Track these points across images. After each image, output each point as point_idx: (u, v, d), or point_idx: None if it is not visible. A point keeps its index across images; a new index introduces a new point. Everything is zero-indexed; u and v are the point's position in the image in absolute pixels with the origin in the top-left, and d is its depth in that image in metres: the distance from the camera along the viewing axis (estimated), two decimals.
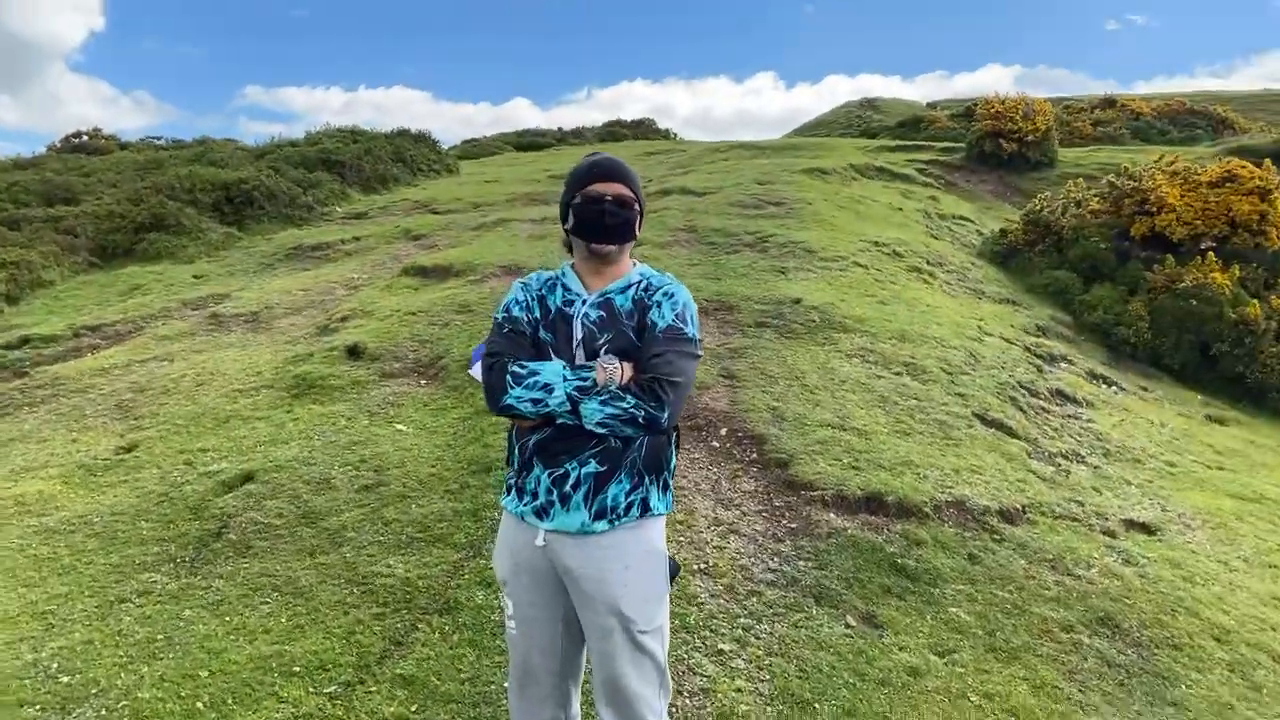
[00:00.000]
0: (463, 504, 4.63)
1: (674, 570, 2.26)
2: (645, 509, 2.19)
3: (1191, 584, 4.46)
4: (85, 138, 23.36)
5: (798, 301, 7.70)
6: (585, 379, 2.08)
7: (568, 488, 2.13)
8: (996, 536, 4.59)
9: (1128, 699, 3.53)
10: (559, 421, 2.11)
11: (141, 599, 4.03)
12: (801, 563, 4.14)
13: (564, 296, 2.26)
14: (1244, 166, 10.79)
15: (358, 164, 16.72)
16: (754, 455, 5.18)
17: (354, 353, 7.02)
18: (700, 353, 2.23)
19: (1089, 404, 7.35)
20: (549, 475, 2.14)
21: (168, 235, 12.34)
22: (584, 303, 2.23)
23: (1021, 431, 6.12)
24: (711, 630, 3.61)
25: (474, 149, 29.06)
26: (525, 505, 2.20)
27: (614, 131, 33.91)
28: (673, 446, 2.27)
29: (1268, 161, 11.13)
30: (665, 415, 2.06)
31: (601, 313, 2.21)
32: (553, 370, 2.10)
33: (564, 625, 2.27)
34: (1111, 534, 4.91)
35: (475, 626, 3.64)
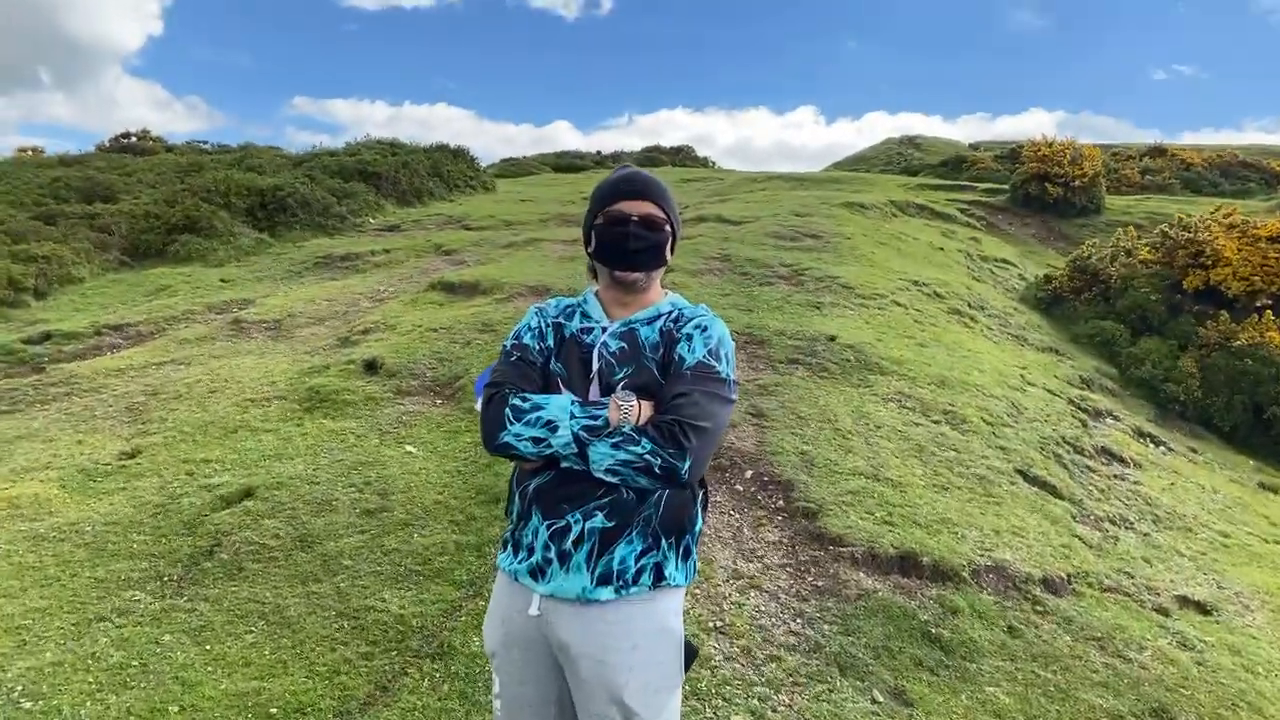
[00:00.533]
0: (467, 536, 4.36)
1: (690, 655, 1.92)
2: (659, 578, 1.86)
3: (1254, 675, 4.07)
4: (133, 138, 23.68)
5: (833, 339, 7.39)
6: (596, 417, 1.79)
7: (568, 543, 1.82)
8: (1039, 608, 4.23)
9: None
10: (563, 465, 1.83)
11: (121, 619, 3.80)
12: (827, 626, 3.82)
13: (582, 324, 1.99)
14: None
15: (394, 176, 16.68)
16: (780, 502, 4.87)
17: (371, 367, 6.82)
18: (734, 396, 1.90)
19: (1136, 464, 6.95)
20: (548, 527, 1.84)
21: (199, 238, 12.30)
22: (604, 331, 1.96)
23: (1066, 492, 5.75)
24: (725, 699, 3.30)
25: (512, 168, 29.13)
26: (520, 562, 1.90)
27: (653, 157, 33.91)
28: (698, 506, 1.94)
29: None
30: (686, 465, 1.75)
31: (623, 344, 1.93)
32: (559, 405, 1.82)
33: (557, 709, 1.95)
34: (1164, 611, 4.53)
35: (468, 677, 3.35)
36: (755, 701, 3.30)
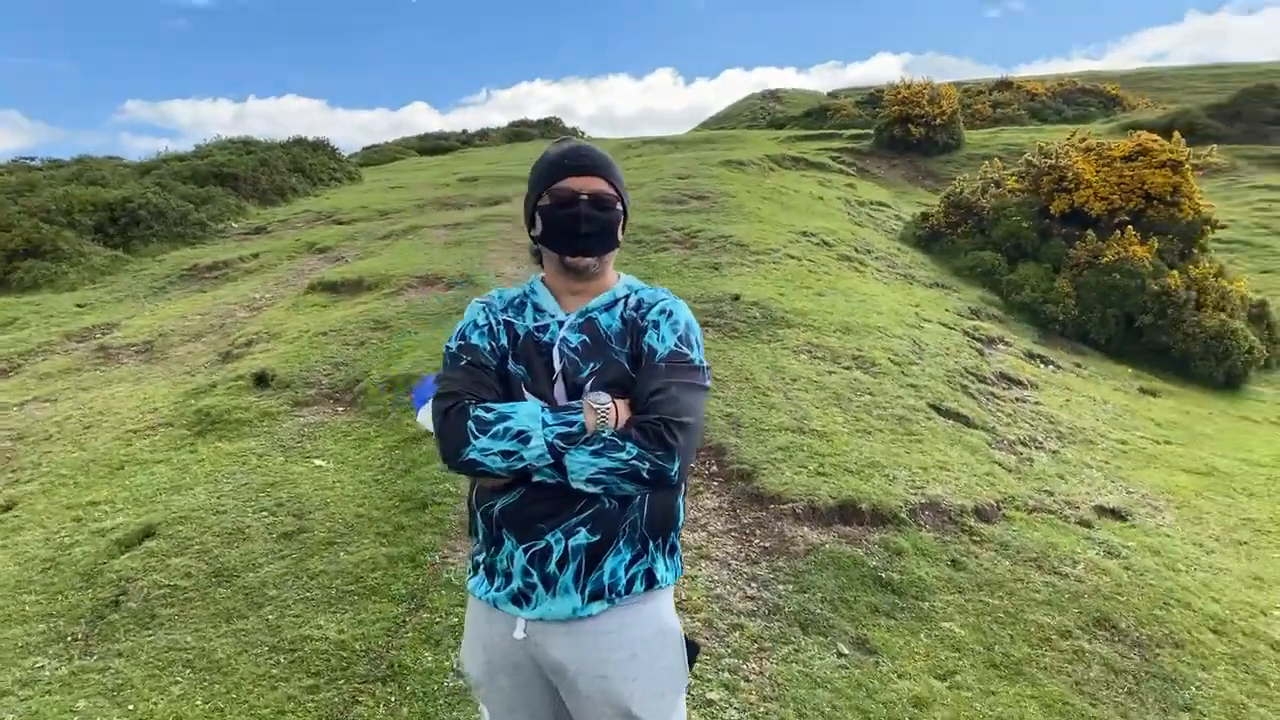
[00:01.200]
0: (398, 548, 4.13)
1: (693, 652, 1.80)
2: (651, 581, 1.73)
3: (1176, 572, 4.29)
4: None
5: (737, 298, 7.39)
6: (572, 423, 1.62)
7: (551, 566, 1.66)
8: (976, 538, 4.34)
9: (1141, 708, 3.29)
10: (535, 480, 1.65)
11: (26, 690, 3.42)
12: (781, 586, 3.80)
13: (536, 319, 1.80)
14: (1155, 140, 10.98)
15: (253, 176, 15.77)
16: (714, 468, 4.82)
17: (261, 381, 6.40)
18: (709, 383, 1.76)
19: (1033, 385, 7.25)
20: (525, 551, 1.67)
21: (45, 262, 11.30)
22: (561, 325, 1.78)
23: (978, 420, 5.93)
24: (696, 676, 3.22)
25: (376, 155, 28.07)
26: (498, 590, 1.72)
27: (520, 132, 33.29)
28: (681, 499, 1.80)
29: (1176, 134, 11.36)
30: (675, 466, 1.60)
31: (584, 336, 1.76)
32: (528, 413, 1.63)
33: None
34: (1087, 524, 4.72)
35: (426, 695, 3.17)
36: (726, 674, 3.24)
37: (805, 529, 4.20)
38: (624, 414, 1.66)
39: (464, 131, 32.99)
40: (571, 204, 1.74)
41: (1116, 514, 4.93)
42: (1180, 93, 39.27)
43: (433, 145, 30.26)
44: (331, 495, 4.71)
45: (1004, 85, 29.61)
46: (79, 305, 10.17)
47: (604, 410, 1.63)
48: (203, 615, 3.79)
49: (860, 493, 4.47)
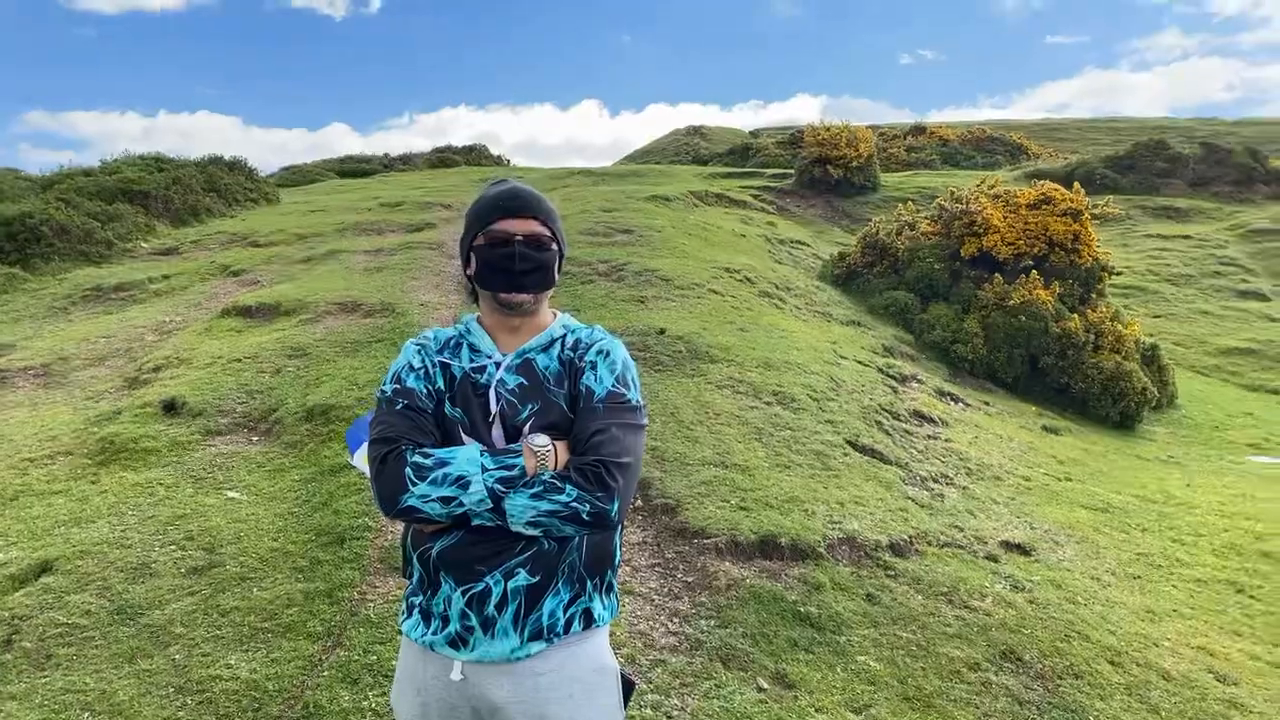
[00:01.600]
0: (314, 584, 4.03)
1: (628, 689, 1.82)
2: (589, 621, 1.74)
3: (1076, 605, 4.50)
4: None
5: (662, 332, 7.48)
6: (512, 467, 1.62)
7: (490, 609, 1.66)
8: (890, 572, 4.46)
9: None
10: (475, 523, 1.65)
11: None
12: (703, 621, 3.84)
13: (473, 359, 1.81)
14: (1057, 189, 11.59)
15: (164, 194, 15.26)
16: (639, 502, 4.85)
17: (171, 408, 6.18)
18: (645, 422, 1.79)
19: (944, 423, 7.52)
20: (463, 593, 1.67)
21: None
22: (498, 366, 1.79)
23: (893, 456, 6.12)
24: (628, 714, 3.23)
25: (294, 176, 27.49)
26: (434, 633, 1.71)
27: (445, 158, 33.06)
28: (617, 538, 1.83)
29: (1077, 184, 12.01)
30: (615, 507, 1.63)
31: (521, 379, 1.77)
32: (467, 458, 1.63)
33: None
34: (994, 558, 4.91)
35: None
36: (649, 710, 3.26)
37: (727, 564, 4.27)
38: (563, 456, 1.67)
39: (386, 155, 32.58)
40: (506, 244, 1.77)
41: (1021, 549, 5.14)
42: (1079, 143, 41.60)
43: (353, 168, 29.80)
44: (245, 528, 4.57)
45: (918, 130, 30.85)
46: None
47: (543, 453, 1.65)
48: (104, 655, 3.62)
49: (780, 528, 4.56)
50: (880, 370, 8.44)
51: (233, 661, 3.53)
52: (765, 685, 3.49)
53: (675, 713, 3.26)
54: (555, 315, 1.92)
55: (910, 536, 4.87)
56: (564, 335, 1.86)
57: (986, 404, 9.07)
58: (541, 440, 1.67)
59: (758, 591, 4.05)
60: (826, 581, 4.23)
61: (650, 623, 3.83)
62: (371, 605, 3.88)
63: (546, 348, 1.83)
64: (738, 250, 12.22)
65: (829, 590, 4.17)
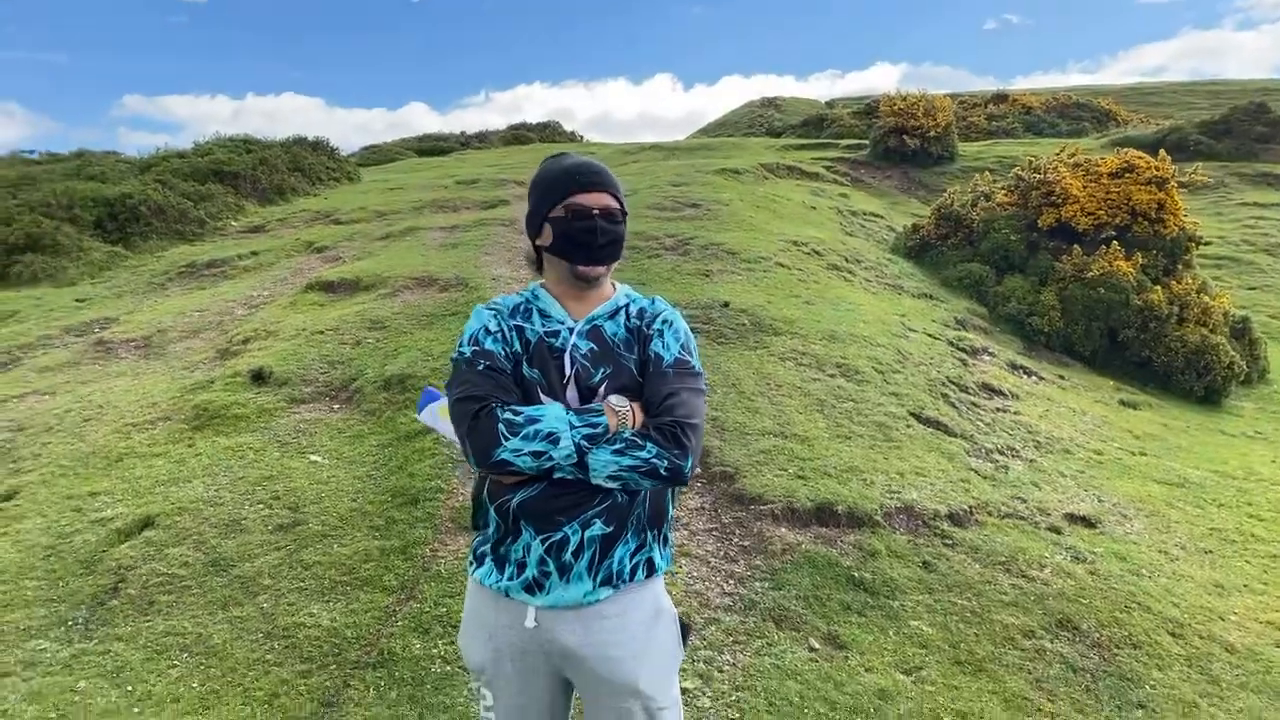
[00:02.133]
0: (390, 541, 4.28)
1: (685, 631, 1.97)
2: (651, 569, 1.89)
3: (1139, 577, 4.46)
4: None
5: (726, 305, 7.55)
6: (596, 425, 1.75)
7: (568, 555, 1.80)
8: (948, 541, 4.49)
9: (1096, 704, 3.45)
10: (557, 476, 1.77)
11: (29, 671, 3.56)
12: (758, 584, 3.95)
13: (545, 325, 1.91)
14: (1141, 157, 11.17)
15: (253, 175, 15.90)
16: (698, 469, 4.97)
17: (259, 378, 6.54)
18: (706, 388, 1.93)
19: (1015, 396, 7.42)
20: (543, 541, 1.80)
21: (45, 256, 11.42)
22: (571, 332, 1.91)
23: (958, 429, 6.09)
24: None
25: (374, 155, 28.20)
26: (510, 580, 1.84)
27: (519, 135, 33.44)
28: (670, 495, 1.95)
29: (1162, 152, 11.55)
30: (689, 464, 1.76)
31: (592, 344, 1.89)
32: (556, 415, 1.75)
33: (550, 714, 1.94)
34: (1057, 530, 4.88)
35: (414, 680, 3.32)
36: (702, 665, 3.40)
37: (783, 529, 4.36)
38: (639, 416, 1.80)
39: (462, 133, 33.15)
40: (586, 218, 1.87)
41: (1087, 521, 5.09)
42: (1175, 109, 39.66)
43: (431, 146, 30.39)
44: (326, 490, 4.85)
45: (999, 98, 29.86)
46: (78, 300, 10.29)
47: (624, 412, 1.78)
48: (199, 603, 3.93)
49: (838, 496, 4.63)
50: (950, 343, 8.34)
51: (315, 611, 3.79)
52: (817, 645, 3.59)
53: (727, 668, 3.39)
54: (615, 286, 2.04)
55: (970, 507, 4.88)
56: (627, 304, 1.98)
57: (1061, 377, 8.88)
58: (622, 401, 1.80)
59: (812, 556, 4.13)
60: (882, 549, 4.29)
61: (706, 584, 3.96)
62: (442, 561, 4.10)
63: (613, 315, 1.95)
64: (807, 223, 12.14)
65: (884, 557, 4.23)
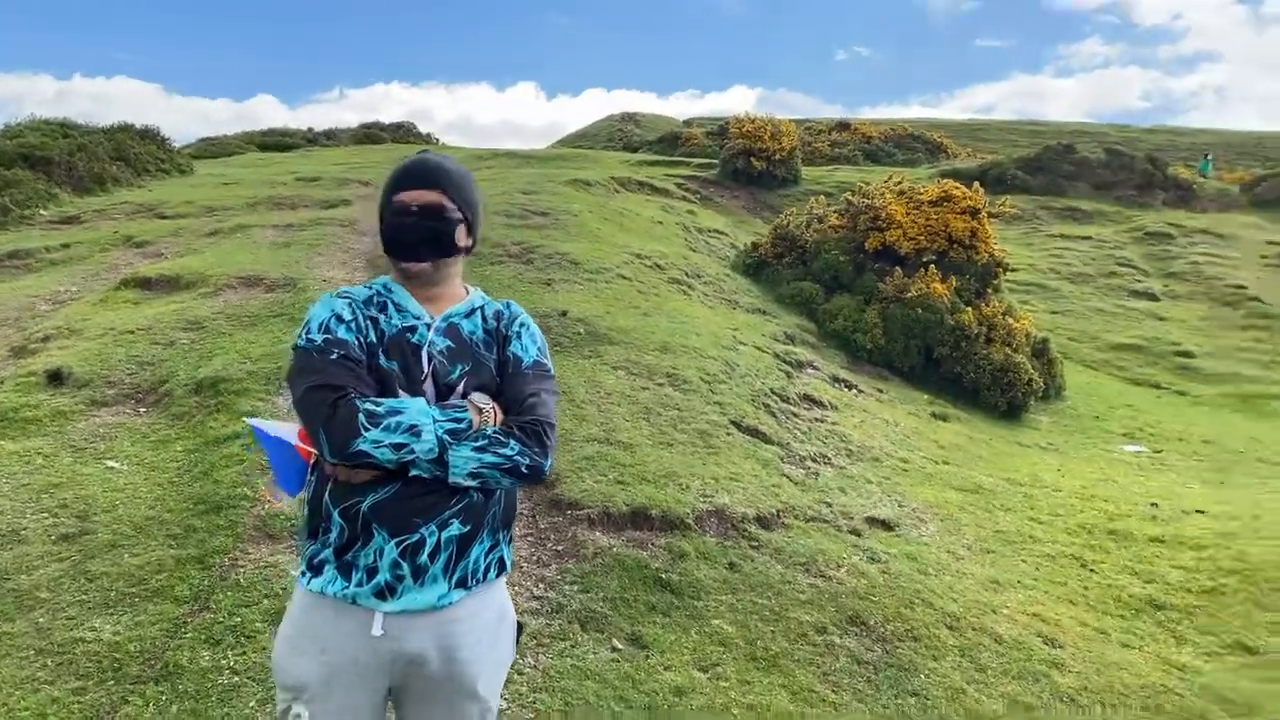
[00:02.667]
0: (186, 550, 4.08)
1: (519, 632, 2.00)
2: (501, 568, 1.92)
3: (926, 576, 4.81)
4: None
5: (564, 314, 7.63)
6: (460, 420, 1.75)
7: (424, 558, 1.76)
8: (755, 543, 4.71)
9: (875, 694, 3.71)
10: (413, 473, 1.74)
11: None
12: (567, 587, 4.02)
13: (401, 319, 1.89)
14: (957, 188, 12.06)
15: (69, 161, 14.74)
16: None
17: (56, 378, 6.08)
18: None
19: (834, 407, 7.84)
20: (397, 545, 1.75)
21: None
22: (429, 328, 1.90)
23: (775, 437, 6.39)
24: None
25: (212, 148, 26.75)
26: (359, 586, 1.77)
27: (371, 134, 32.49)
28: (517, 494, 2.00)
29: (976, 184, 12.52)
30: (548, 463, 1.82)
31: (449, 341, 1.90)
32: (419, 409, 1.74)
33: None
34: (857, 533, 5.21)
35: (198, 694, 3.18)
36: None
37: (598, 534, 4.45)
38: (500, 415, 1.82)
39: (310, 130, 31.90)
40: (405, 214, 1.88)
41: (885, 524, 5.45)
42: (1000, 145, 42.93)
43: (275, 141, 29.10)
44: (121, 497, 4.58)
45: (842, 126, 31.49)
46: None
47: (488, 410, 1.79)
48: None
49: (653, 500, 4.76)
50: (778, 356, 8.73)
51: (97, 625, 3.57)
52: (619, 646, 3.68)
53: (528, 670, 3.43)
54: (469, 289, 2.05)
55: (779, 510, 5.13)
56: (483, 306, 2.01)
57: (880, 391, 9.45)
58: (485, 399, 1.83)
59: (623, 559, 4.24)
60: (691, 551, 4.45)
61: (515, 588, 3.99)
62: (242, 571, 3.95)
63: (469, 315, 1.97)
64: (653, 237, 12.42)
65: (693, 559, 4.39)
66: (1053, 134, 44.78)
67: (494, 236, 10.43)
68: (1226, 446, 9.97)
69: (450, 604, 1.80)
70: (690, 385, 6.75)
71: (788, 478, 5.73)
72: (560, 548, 4.35)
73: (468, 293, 2.04)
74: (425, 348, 1.87)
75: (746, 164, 20.72)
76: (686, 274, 10.75)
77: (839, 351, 10.29)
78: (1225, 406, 12.52)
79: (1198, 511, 6.66)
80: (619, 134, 44.24)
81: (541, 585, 4.03)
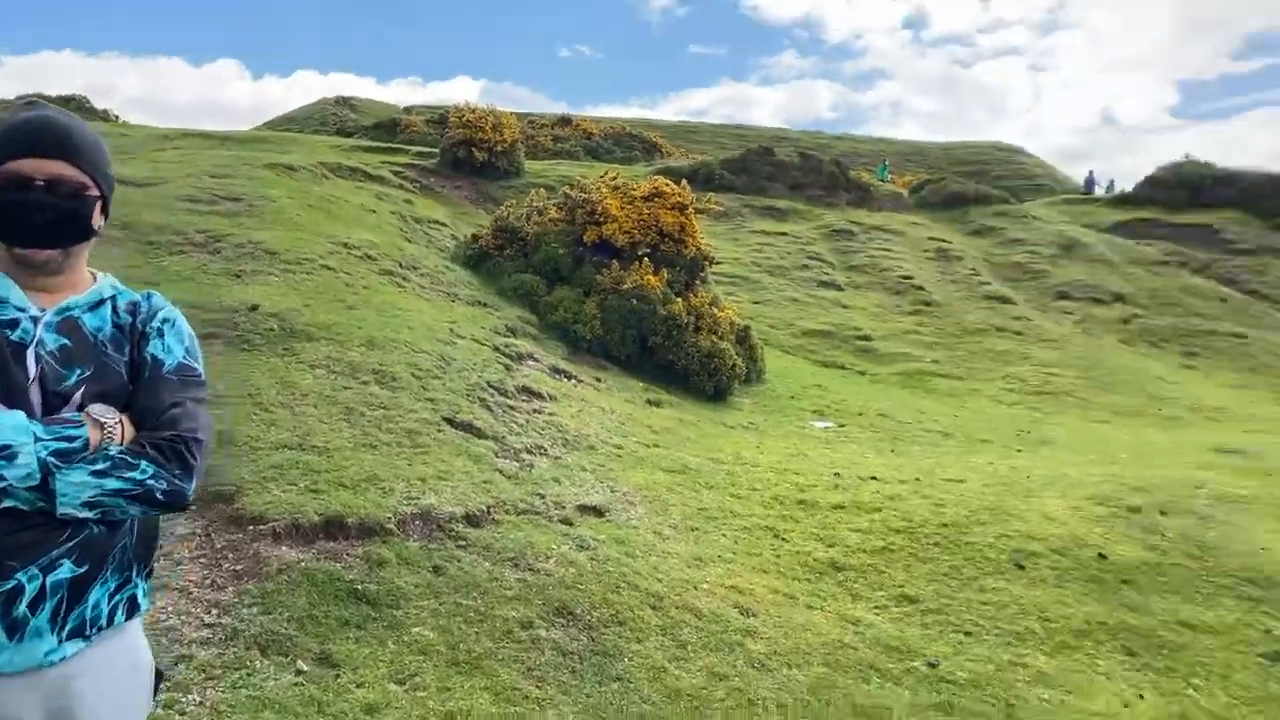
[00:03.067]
0: None
1: (158, 680, 1.67)
2: (133, 609, 1.58)
3: (633, 558, 4.92)
4: None
5: (255, 308, 6.98)
6: (73, 439, 1.41)
7: (21, 609, 1.41)
8: (462, 543, 4.56)
9: (580, 684, 3.70)
10: (6, 504, 1.38)
11: None
12: (246, 610, 3.63)
13: (0, 313, 1.52)
14: (667, 184, 12.60)
15: None
16: None
17: None
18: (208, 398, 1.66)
19: (552, 398, 7.86)
20: None
21: None
22: (36, 323, 1.52)
23: (489, 431, 6.27)
24: None
25: None
26: None
27: (34, 106, 28.17)
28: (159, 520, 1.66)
29: (685, 182, 13.15)
30: (192, 486, 1.50)
31: (65, 340, 1.53)
32: (15, 425, 1.38)
33: None
34: (568, 522, 5.22)
35: None
36: (161, 711, 3.00)
37: (284, 548, 4.08)
38: (129, 430, 1.49)
39: None
40: (23, 188, 1.49)
41: (597, 511, 5.52)
42: (711, 147, 45.70)
43: None
44: None
45: (565, 122, 31.98)
46: None
47: (111, 425, 1.46)
48: None
49: (350, 507, 4.46)
50: (497, 349, 8.61)
51: None
52: (306, 667, 3.38)
53: (192, 708, 3.04)
54: (97, 275, 1.67)
55: (489, 506, 5.01)
56: (114, 296, 1.63)
57: (599, 380, 9.64)
58: (108, 411, 1.47)
59: (312, 573, 3.91)
60: (392, 557, 4.21)
61: (183, 618, 3.54)
62: None
63: (95, 307, 1.59)
64: (363, 226, 11.80)
65: (393, 566, 4.15)
66: (757, 138, 48.47)
67: (173, 224, 9.36)
68: (898, 419, 11.27)
69: (63, 659, 1.48)
70: (399, 382, 6.44)
71: (501, 472, 5.62)
72: (240, 567, 3.92)
73: (94, 280, 1.67)
74: (32, 347, 1.50)
75: (468, 154, 20.35)
76: (401, 265, 10.32)
77: (560, 343, 10.37)
78: (897, 384, 14.18)
79: (873, 478, 7.42)
80: (333, 118, 41.86)
81: (215, 611, 3.61)
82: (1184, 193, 25.51)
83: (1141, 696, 4.37)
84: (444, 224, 15.01)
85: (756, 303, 17.07)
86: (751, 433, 9.50)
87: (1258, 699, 4.41)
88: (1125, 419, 12.84)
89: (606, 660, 3.89)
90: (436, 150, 22.01)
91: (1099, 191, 32.50)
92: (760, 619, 4.62)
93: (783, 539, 5.87)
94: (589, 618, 4.18)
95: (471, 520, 4.80)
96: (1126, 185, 28.46)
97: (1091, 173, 36.19)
